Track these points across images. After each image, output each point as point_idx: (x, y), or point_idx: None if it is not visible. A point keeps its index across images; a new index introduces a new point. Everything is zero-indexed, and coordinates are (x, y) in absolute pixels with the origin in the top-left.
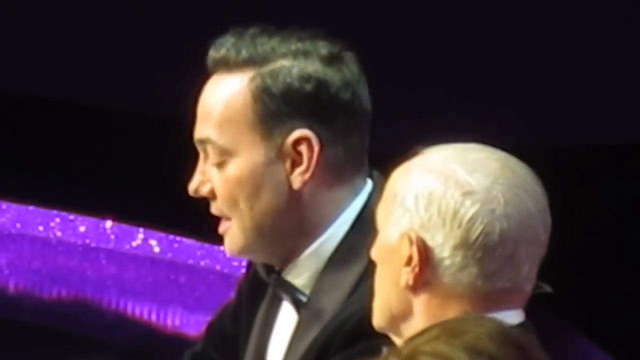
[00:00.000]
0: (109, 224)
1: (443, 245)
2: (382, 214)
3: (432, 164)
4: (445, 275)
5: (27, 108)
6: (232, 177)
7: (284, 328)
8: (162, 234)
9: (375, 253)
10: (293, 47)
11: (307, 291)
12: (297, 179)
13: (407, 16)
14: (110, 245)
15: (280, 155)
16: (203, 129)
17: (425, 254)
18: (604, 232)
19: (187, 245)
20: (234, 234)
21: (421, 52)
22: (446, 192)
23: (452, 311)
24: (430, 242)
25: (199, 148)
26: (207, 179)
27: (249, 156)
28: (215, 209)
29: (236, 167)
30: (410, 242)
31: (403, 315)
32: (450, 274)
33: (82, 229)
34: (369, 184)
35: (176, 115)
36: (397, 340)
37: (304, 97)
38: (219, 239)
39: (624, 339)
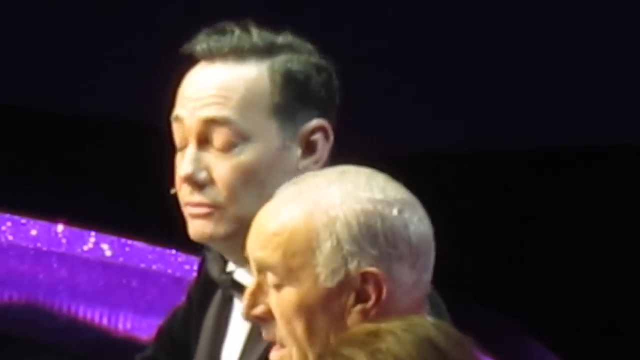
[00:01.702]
0: (60, 227)
1: (401, 270)
2: (293, 267)
3: (334, 198)
4: (402, 297)
5: None
6: (246, 162)
7: (237, 330)
8: (114, 238)
9: (288, 309)
10: (290, 40)
11: None
12: (309, 168)
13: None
14: (62, 249)
15: (295, 143)
16: (219, 110)
17: (384, 285)
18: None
19: (139, 249)
20: (226, 218)
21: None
22: (383, 218)
23: None
24: (388, 273)
25: (198, 130)
26: (203, 165)
27: (266, 141)
28: (203, 196)
29: (252, 152)
30: (365, 281)
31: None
32: (406, 294)
33: (33, 232)
34: None
35: (128, 119)
36: None
37: (320, 86)
38: (170, 243)
39: (580, 344)
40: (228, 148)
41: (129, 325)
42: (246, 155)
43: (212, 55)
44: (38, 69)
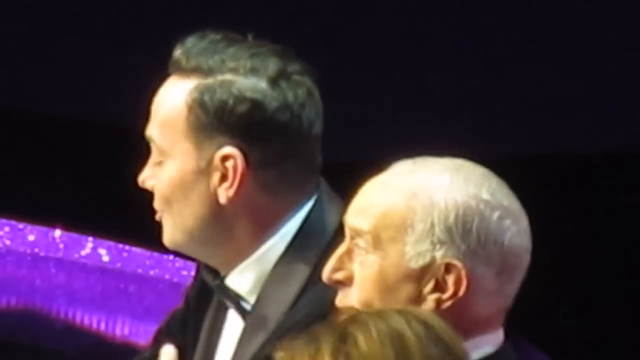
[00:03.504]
0: (57, 233)
1: (485, 272)
2: (382, 238)
3: (442, 185)
4: (479, 300)
5: None
6: (166, 178)
7: (230, 335)
8: (111, 243)
9: (369, 278)
10: (243, 62)
11: (252, 298)
12: (222, 194)
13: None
14: (59, 254)
15: (210, 167)
16: (149, 127)
17: (464, 280)
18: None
19: (136, 255)
20: (166, 228)
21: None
22: (482, 218)
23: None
24: (471, 271)
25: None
26: (150, 174)
27: (181, 162)
28: (154, 203)
29: (170, 169)
30: (447, 271)
31: None
32: (485, 298)
33: (31, 237)
34: (312, 199)
35: (126, 125)
36: None
37: (236, 116)
38: (168, 248)
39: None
40: (158, 163)
41: (126, 331)
42: (167, 170)
43: (170, 67)
44: (36, 72)
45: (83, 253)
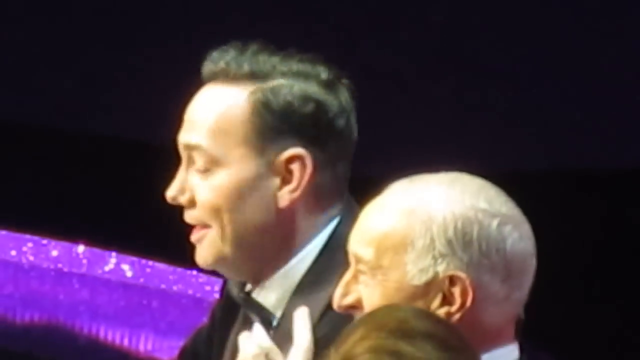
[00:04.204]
0: (81, 248)
1: (491, 281)
2: (384, 262)
3: (439, 198)
4: (489, 308)
5: None
6: (219, 187)
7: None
8: (135, 259)
9: (375, 304)
10: (294, 67)
11: (277, 313)
12: (285, 197)
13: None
14: (83, 270)
15: (271, 171)
16: (193, 136)
17: (470, 291)
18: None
19: (160, 270)
20: (211, 243)
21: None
22: (481, 227)
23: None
24: (476, 281)
25: (184, 153)
26: (187, 186)
27: (239, 168)
28: (190, 217)
29: (224, 177)
30: (452, 284)
31: None
32: (494, 306)
33: (54, 253)
34: (339, 211)
35: (150, 141)
36: None
37: (303, 116)
38: (191, 264)
39: None
40: (205, 172)
41: (149, 346)
42: (220, 179)
43: (211, 77)
44: (58, 89)
45: (106, 269)
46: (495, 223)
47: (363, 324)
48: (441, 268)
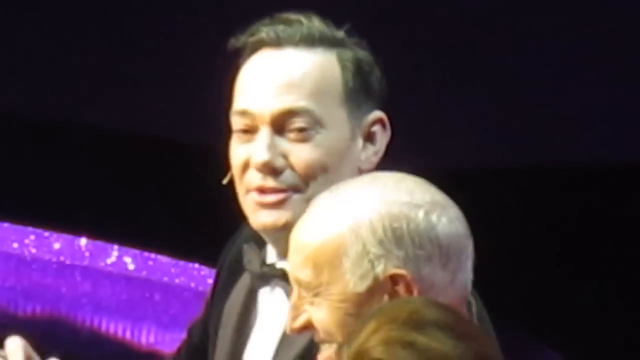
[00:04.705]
0: (83, 241)
1: (431, 271)
2: (323, 279)
3: (361, 202)
4: (436, 297)
5: None
6: (324, 147)
7: (267, 326)
8: (137, 252)
9: (324, 322)
10: (350, 37)
11: None
12: (371, 160)
13: None
14: (85, 263)
15: (359, 133)
16: (294, 99)
17: (414, 287)
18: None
19: (162, 263)
20: (295, 206)
21: None
22: (409, 220)
23: None
24: (417, 275)
25: (274, 119)
26: (279, 151)
27: (338, 129)
28: (282, 181)
29: (327, 138)
30: (395, 283)
31: None
32: (440, 294)
33: (56, 246)
34: None
35: (150, 134)
36: None
37: (378, 80)
38: (193, 257)
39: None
40: (304, 135)
41: (152, 339)
42: (321, 141)
43: (279, 43)
44: (62, 83)
45: (109, 261)
46: (421, 213)
47: (374, 318)
48: (380, 270)
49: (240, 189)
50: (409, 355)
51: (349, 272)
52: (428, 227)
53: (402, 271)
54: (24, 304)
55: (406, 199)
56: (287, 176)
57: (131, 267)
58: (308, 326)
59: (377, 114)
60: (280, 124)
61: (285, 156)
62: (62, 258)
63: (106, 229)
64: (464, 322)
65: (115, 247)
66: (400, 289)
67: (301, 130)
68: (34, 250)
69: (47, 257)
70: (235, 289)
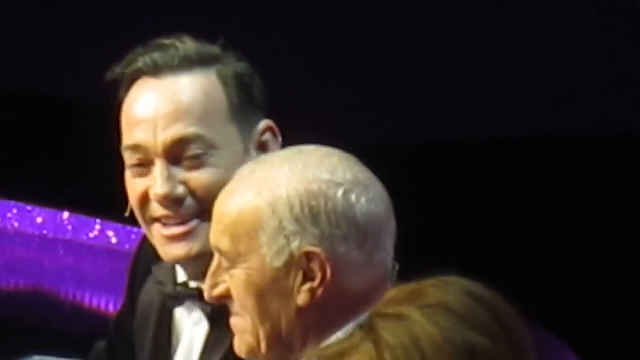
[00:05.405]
0: (66, 215)
1: (347, 250)
2: (241, 250)
3: (281, 177)
4: (351, 277)
5: None
6: (218, 170)
7: (189, 340)
8: (120, 225)
9: (240, 290)
10: (224, 51)
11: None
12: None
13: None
14: (68, 236)
15: (251, 145)
16: (184, 127)
17: (327, 265)
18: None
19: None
20: (206, 231)
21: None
22: (327, 199)
23: (351, 316)
24: (332, 253)
25: (167, 150)
26: (177, 181)
27: (231, 147)
28: (186, 210)
29: (221, 159)
30: (310, 261)
31: (292, 336)
32: (356, 274)
33: (39, 220)
34: None
35: None
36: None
37: (260, 88)
38: None
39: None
40: (199, 161)
41: None
42: (217, 163)
43: (158, 70)
44: (44, 56)
45: (91, 235)
46: (340, 192)
47: (403, 290)
48: (295, 246)
49: (142, 220)
50: (400, 329)
51: (266, 246)
52: (346, 206)
53: (316, 249)
54: (6, 278)
55: (327, 177)
56: (190, 204)
57: (114, 240)
58: (226, 296)
59: (266, 122)
60: (174, 154)
61: (184, 184)
62: (44, 232)
63: (89, 203)
64: (487, 315)
65: (98, 220)
66: (315, 266)
67: (196, 157)
68: (16, 224)
69: (29, 231)
70: (140, 303)
